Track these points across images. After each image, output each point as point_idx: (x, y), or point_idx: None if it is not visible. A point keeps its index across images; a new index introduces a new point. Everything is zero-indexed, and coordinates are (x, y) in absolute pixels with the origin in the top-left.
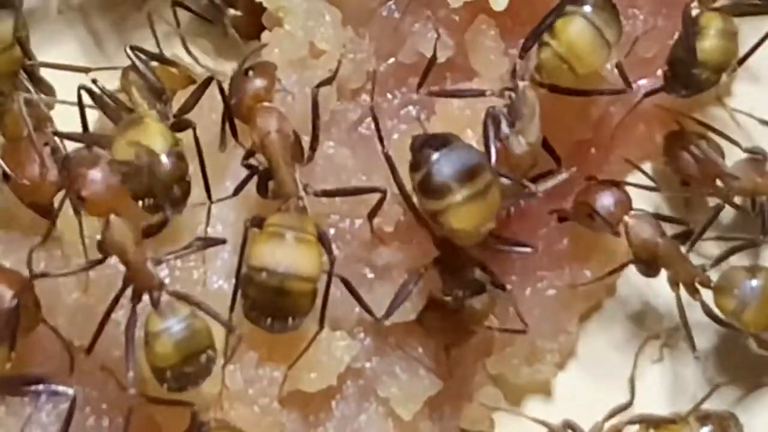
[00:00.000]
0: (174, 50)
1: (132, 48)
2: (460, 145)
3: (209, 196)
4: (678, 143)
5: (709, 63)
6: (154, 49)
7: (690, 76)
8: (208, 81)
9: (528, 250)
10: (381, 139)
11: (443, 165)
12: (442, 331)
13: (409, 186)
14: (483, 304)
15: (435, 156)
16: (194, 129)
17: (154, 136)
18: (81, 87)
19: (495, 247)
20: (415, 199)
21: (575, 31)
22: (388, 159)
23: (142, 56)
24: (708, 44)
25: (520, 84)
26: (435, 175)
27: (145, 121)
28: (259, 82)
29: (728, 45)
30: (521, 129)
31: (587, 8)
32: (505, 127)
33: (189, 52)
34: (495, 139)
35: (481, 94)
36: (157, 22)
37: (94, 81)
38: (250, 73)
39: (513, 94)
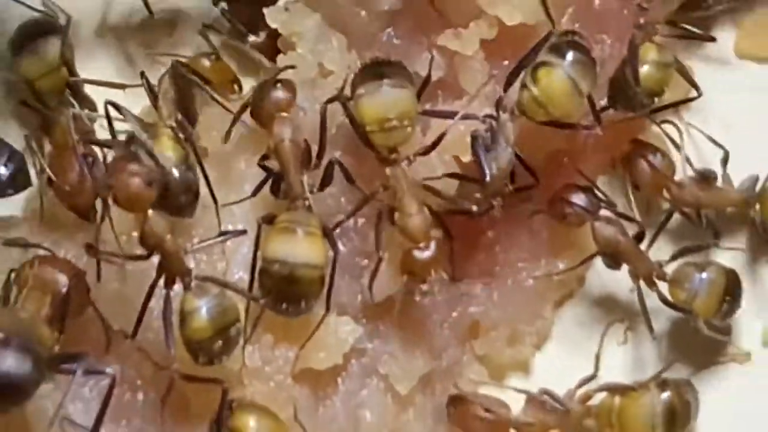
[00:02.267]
0: None
1: (180, 63)
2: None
3: (214, 200)
4: (637, 152)
5: (644, 88)
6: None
7: (626, 97)
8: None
9: (473, 209)
10: (347, 109)
11: (365, 73)
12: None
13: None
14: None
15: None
16: (194, 143)
17: (167, 151)
18: (107, 102)
19: (445, 208)
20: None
21: (553, 81)
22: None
23: (184, 72)
24: (643, 72)
25: (502, 116)
26: (356, 77)
27: (161, 138)
28: (283, 95)
29: (661, 75)
30: (495, 155)
31: (567, 62)
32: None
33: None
34: (486, 158)
35: (467, 118)
36: (188, 45)
37: (142, 74)
38: (278, 85)
39: (494, 123)
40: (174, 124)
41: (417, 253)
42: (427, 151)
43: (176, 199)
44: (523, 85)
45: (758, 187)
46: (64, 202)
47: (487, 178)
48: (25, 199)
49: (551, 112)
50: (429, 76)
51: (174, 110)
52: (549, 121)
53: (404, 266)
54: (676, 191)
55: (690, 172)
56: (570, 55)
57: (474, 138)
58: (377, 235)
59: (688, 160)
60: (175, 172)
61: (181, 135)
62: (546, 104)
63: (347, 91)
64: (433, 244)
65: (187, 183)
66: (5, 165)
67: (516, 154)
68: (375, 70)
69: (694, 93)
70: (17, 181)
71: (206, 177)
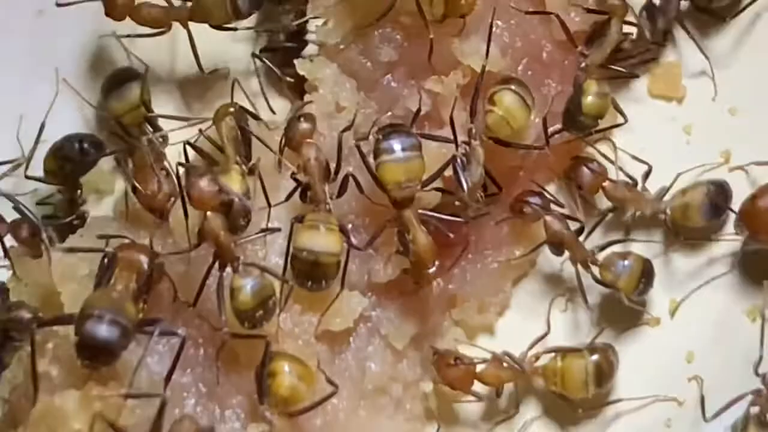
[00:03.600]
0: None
1: (241, 107)
2: (402, 133)
3: (269, 204)
4: (580, 162)
5: (589, 113)
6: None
7: (576, 121)
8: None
9: (460, 219)
10: (363, 156)
11: (386, 140)
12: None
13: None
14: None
15: (383, 135)
16: (259, 170)
17: (235, 183)
18: (185, 143)
19: (432, 220)
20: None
21: (508, 99)
22: (359, 150)
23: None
24: (588, 101)
25: (473, 142)
26: (378, 143)
27: (231, 174)
28: (307, 126)
29: (601, 102)
30: (469, 173)
31: (512, 85)
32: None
33: (266, 100)
34: (462, 175)
35: (448, 141)
36: (238, 89)
37: (200, 131)
38: (302, 119)
39: (468, 148)
40: (239, 160)
41: (425, 271)
42: (427, 183)
43: (236, 221)
44: (488, 111)
45: (667, 196)
46: (145, 205)
47: (465, 190)
48: (115, 204)
49: (513, 126)
50: (419, 110)
51: (237, 145)
52: (508, 142)
53: (413, 277)
54: (609, 189)
55: (621, 178)
56: (512, 81)
57: (453, 160)
58: (404, 246)
59: (620, 168)
60: (240, 202)
61: (245, 168)
62: (509, 119)
63: (362, 128)
64: (437, 263)
65: (246, 210)
66: (82, 144)
67: (485, 170)
68: (393, 142)
69: (620, 120)
70: (98, 149)
71: (264, 190)
